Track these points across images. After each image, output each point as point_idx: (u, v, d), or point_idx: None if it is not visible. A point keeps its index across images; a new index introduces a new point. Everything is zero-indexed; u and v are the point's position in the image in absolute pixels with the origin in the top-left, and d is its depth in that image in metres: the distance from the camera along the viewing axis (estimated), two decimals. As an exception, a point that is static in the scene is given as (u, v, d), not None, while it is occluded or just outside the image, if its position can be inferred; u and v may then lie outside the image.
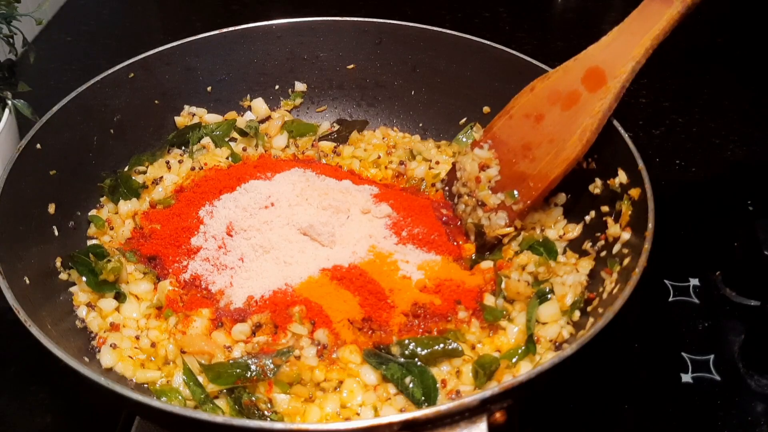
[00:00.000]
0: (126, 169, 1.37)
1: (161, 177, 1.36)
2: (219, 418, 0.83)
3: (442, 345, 1.05)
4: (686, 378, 1.16)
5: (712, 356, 1.19)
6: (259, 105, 1.51)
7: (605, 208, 1.19)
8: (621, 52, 1.15)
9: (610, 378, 1.17)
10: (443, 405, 0.81)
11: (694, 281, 1.30)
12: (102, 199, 1.32)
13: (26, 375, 1.16)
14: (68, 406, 1.13)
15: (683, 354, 1.19)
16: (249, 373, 1.00)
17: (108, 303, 1.15)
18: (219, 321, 1.10)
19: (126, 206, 1.30)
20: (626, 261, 1.07)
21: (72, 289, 1.16)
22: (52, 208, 1.21)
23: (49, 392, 1.14)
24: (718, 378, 1.16)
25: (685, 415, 1.11)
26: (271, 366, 1.01)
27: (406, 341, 1.06)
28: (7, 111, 1.26)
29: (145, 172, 1.38)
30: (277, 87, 1.53)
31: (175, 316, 1.11)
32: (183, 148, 1.44)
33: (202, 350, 1.06)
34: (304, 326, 1.06)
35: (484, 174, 1.27)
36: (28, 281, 1.06)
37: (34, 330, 0.92)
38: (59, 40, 2.01)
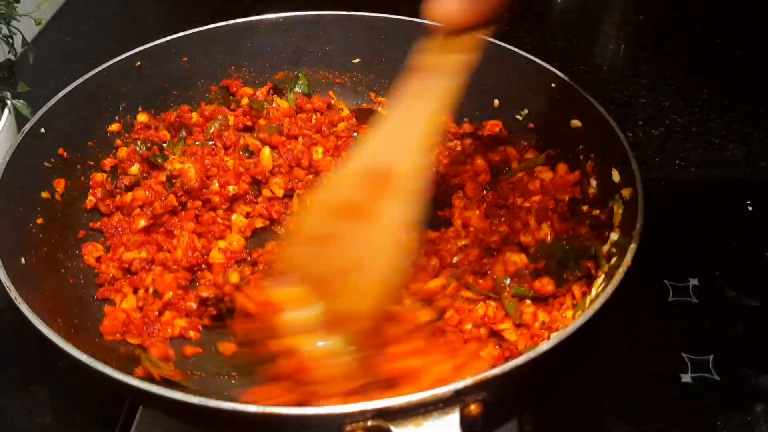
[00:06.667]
0: None
1: None
2: (227, 405, 0.80)
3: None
4: (686, 378, 1.16)
5: (712, 356, 1.18)
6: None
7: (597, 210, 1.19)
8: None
9: (610, 378, 1.17)
10: (414, 395, 0.80)
11: (694, 281, 1.30)
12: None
13: (26, 375, 1.16)
14: (68, 406, 1.13)
15: (683, 354, 1.19)
16: None
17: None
18: None
19: None
20: (614, 260, 1.07)
21: (75, 280, 1.17)
22: (55, 195, 1.21)
23: (49, 392, 1.13)
24: (718, 378, 1.15)
25: (685, 415, 1.11)
26: None
27: None
28: (6, 111, 1.26)
29: None
30: (282, 79, 1.53)
31: None
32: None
33: None
34: None
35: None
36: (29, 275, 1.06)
37: (42, 327, 0.90)
38: (59, 40, 2.00)
